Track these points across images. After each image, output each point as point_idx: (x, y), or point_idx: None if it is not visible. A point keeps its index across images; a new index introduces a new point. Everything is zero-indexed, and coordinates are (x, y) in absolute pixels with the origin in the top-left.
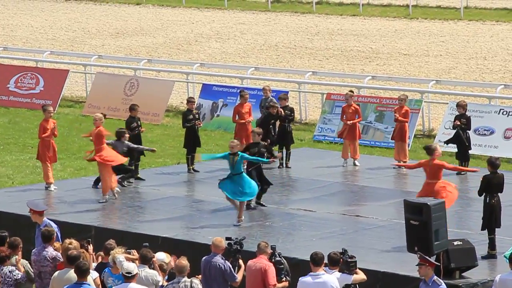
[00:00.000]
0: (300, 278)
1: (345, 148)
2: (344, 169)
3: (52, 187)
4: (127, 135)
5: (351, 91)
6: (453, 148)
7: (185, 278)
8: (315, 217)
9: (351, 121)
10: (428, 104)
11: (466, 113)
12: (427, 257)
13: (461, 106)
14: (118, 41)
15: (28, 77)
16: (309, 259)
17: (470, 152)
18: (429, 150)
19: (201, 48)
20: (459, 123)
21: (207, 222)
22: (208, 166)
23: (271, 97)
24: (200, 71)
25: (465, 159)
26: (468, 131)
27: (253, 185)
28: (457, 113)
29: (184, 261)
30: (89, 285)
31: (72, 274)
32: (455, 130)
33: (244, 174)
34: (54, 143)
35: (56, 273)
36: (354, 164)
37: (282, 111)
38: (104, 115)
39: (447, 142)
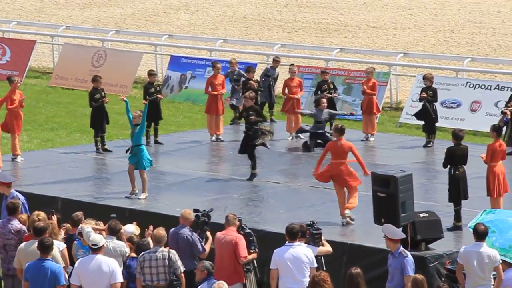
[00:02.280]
0: (275, 250)
1: (289, 122)
2: None
3: (19, 159)
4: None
5: (292, 64)
6: (420, 120)
7: (162, 248)
8: (283, 189)
9: (296, 95)
10: (396, 77)
11: (433, 86)
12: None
13: (427, 78)
14: (86, 12)
15: None
16: (278, 231)
17: (436, 124)
18: (341, 131)
19: (170, 20)
20: (425, 95)
21: (175, 193)
22: (176, 139)
23: (238, 70)
24: (168, 43)
25: (431, 132)
26: (434, 103)
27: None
28: (424, 85)
29: (162, 231)
30: (51, 261)
31: None
32: (422, 103)
33: (143, 147)
34: (22, 114)
35: (23, 244)
36: (295, 138)
37: (255, 84)
38: None
39: (415, 115)
